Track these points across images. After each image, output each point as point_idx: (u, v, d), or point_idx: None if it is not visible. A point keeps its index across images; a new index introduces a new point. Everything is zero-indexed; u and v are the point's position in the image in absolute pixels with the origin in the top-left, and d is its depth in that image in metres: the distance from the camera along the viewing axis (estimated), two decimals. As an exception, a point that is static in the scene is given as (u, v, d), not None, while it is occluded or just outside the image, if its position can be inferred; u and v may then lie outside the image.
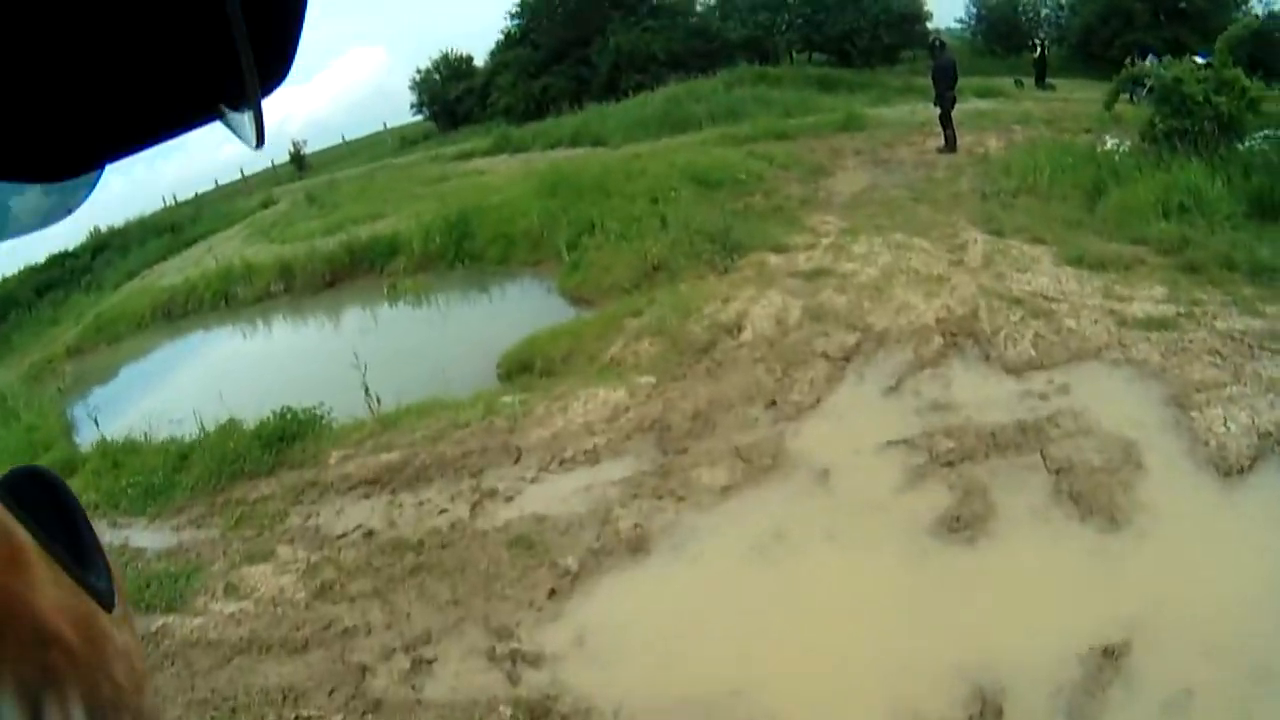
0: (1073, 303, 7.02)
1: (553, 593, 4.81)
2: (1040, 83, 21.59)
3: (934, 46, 15.55)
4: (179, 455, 7.75)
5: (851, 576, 4.44)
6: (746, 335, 7.54)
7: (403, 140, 34.37)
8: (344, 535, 5.98)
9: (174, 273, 18.63)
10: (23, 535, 0.35)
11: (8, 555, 0.34)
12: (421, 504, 6.09)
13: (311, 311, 13.86)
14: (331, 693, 4.47)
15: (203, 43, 0.44)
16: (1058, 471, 4.91)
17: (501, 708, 4.07)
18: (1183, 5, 23.06)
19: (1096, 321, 6.61)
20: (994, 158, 13.08)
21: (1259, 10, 20.91)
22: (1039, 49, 23.13)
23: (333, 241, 15.14)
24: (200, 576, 5.91)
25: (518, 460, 6.33)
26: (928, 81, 15.13)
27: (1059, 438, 5.22)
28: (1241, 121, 9.93)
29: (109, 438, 8.88)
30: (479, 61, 34.34)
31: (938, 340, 6.81)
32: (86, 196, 0.57)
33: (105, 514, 7.16)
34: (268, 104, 0.47)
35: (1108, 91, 13.68)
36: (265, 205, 24.22)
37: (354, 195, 20.58)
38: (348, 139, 37.45)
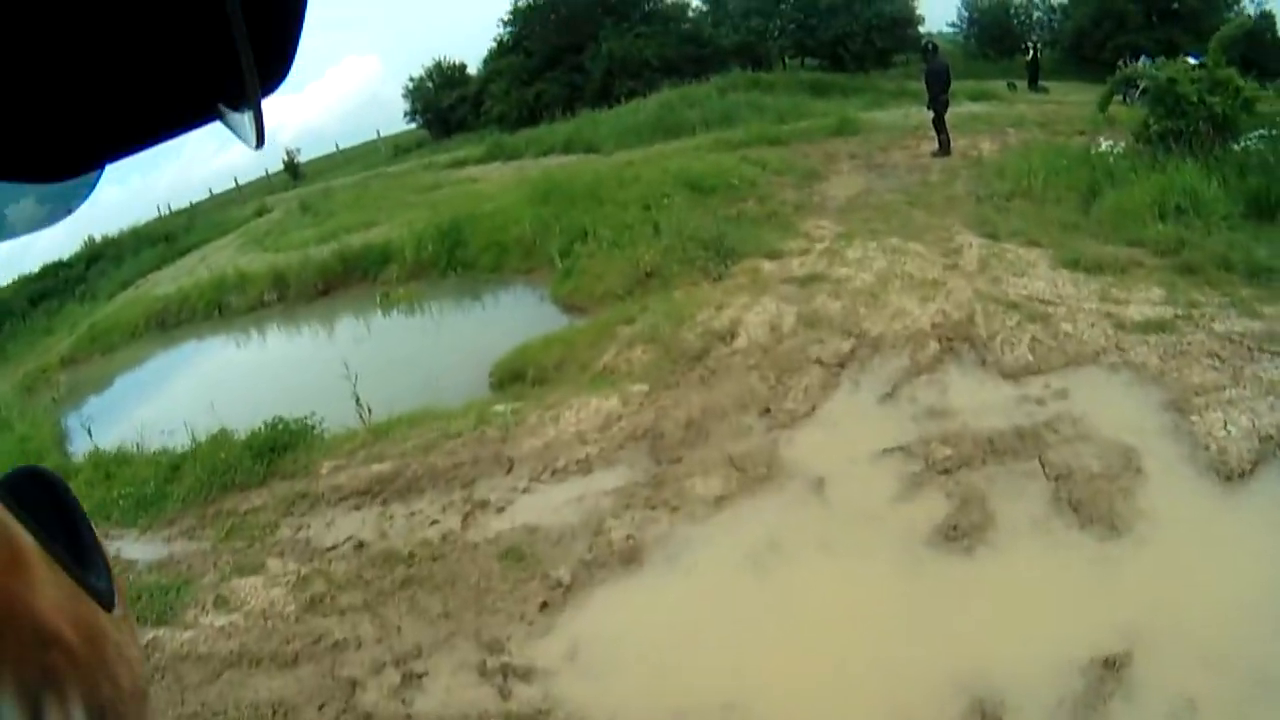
0: (1069, 306, 6.98)
1: (544, 605, 4.75)
2: (1033, 85, 21.67)
3: (927, 50, 15.59)
4: (170, 466, 7.72)
5: (847, 587, 4.38)
6: (740, 342, 7.48)
7: (396, 148, 34.40)
8: (335, 547, 5.92)
9: (168, 282, 18.63)
10: (23, 536, 0.35)
11: (8, 556, 0.34)
12: (413, 515, 6.03)
13: (304, 320, 13.81)
14: (321, 707, 4.43)
15: (203, 43, 0.44)
16: (1056, 478, 4.86)
17: (492, 723, 4.01)
18: (1175, 6, 23.19)
19: (1094, 325, 6.57)
20: (988, 161, 13.07)
21: (1250, 10, 21.00)
22: (1031, 52, 23.19)
23: (326, 250, 15.11)
24: (191, 589, 5.87)
25: (509, 470, 6.27)
26: (921, 85, 15.17)
27: (1057, 444, 5.17)
28: (1236, 121, 9.92)
29: (101, 448, 8.88)
30: (472, 69, 34.48)
31: (933, 346, 6.76)
32: (87, 196, 0.58)
33: (97, 525, 7.00)
34: (266, 106, 0.48)
35: (1101, 93, 13.65)
36: (259, 214, 24.22)
37: (348, 204, 20.57)
38: (342, 147, 37.46)
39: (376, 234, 15.43)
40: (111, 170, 0.54)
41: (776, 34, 29.26)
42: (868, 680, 3.77)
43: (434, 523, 5.86)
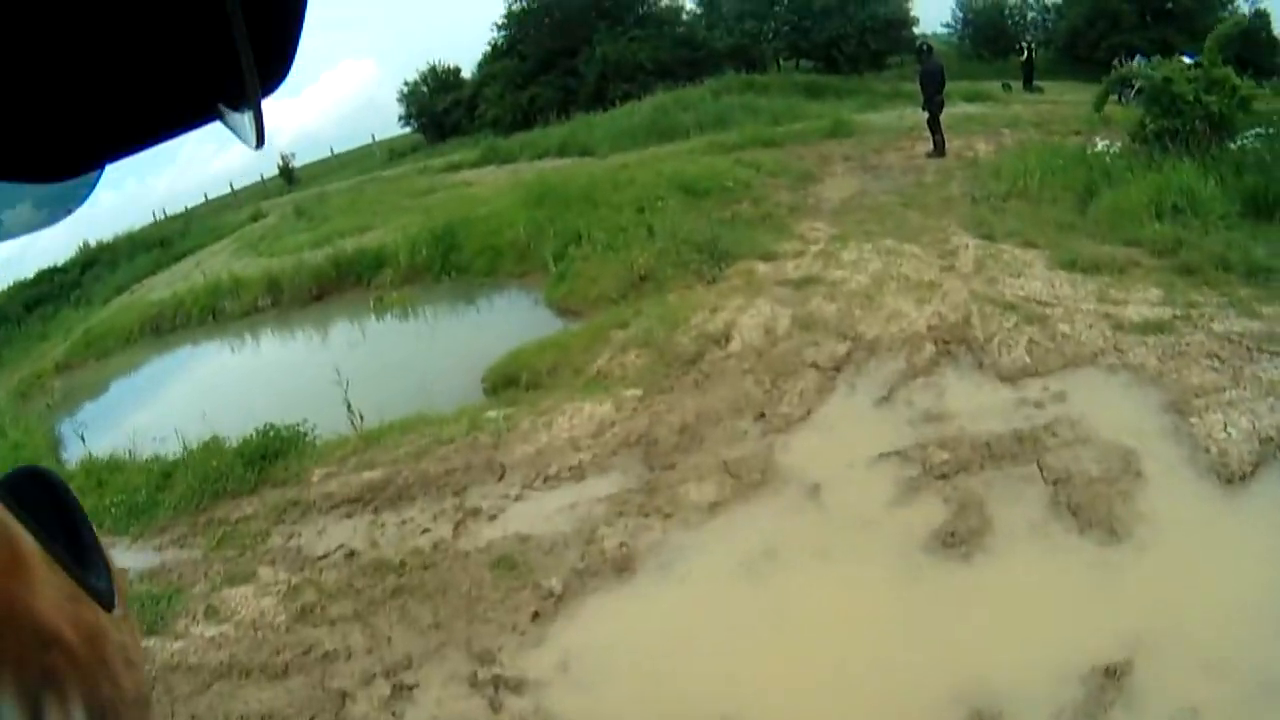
0: (1067, 307, 6.93)
1: (536, 615, 4.70)
2: (1028, 86, 21.66)
3: (921, 51, 15.56)
4: (162, 473, 7.69)
5: (844, 595, 4.32)
6: (735, 346, 7.43)
7: (391, 152, 34.32)
8: (325, 556, 5.88)
9: (163, 287, 18.66)
10: (23, 536, 0.35)
11: (8, 556, 0.33)
12: (404, 523, 5.98)
13: (298, 325, 13.80)
14: (312, 719, 4.36)
15: (203, 43, 0.44)
16: (1055, 482, 4.81)
17: (483, 736, 3.96)
18: (1169, 5, 23.18)
19: (1091, 326, 6.52)
20: (983, 162, 13.04)
21: (1245, 9, 21.01)
22: (1026, 52, 23.16)
23: (320, 255, 15.11)
24: (181, 598, 5.83)
25: (501, 477, 6.21)
26: (915, 86, 15.14)
27: (1056, 447, 5.12)
28: (1232, 120, 9.91)
29: (94, 455, 8.85)
30: (466, 73, 34.34)
31: (930, 348, 6.71)
32: (86, 197, 0.58)
33: (90, 534, 7.05)
34: (265, 106, 0.48)
35: (1097, 93, 13.60)
36: (254, 219, 24.22)
37: (342, 208, 20.54)
38: (337, 152, 37.35)
39: (371, 238, 15.42)
40: (107, 175, 0.55)
41: (770, 36, 29.21)
42: (865, 690, 3.72)
43: (425, 531, 5.80)
